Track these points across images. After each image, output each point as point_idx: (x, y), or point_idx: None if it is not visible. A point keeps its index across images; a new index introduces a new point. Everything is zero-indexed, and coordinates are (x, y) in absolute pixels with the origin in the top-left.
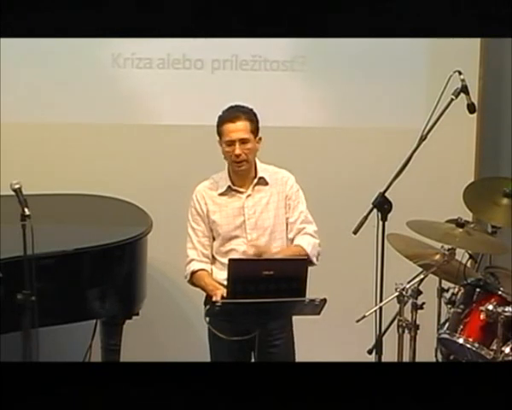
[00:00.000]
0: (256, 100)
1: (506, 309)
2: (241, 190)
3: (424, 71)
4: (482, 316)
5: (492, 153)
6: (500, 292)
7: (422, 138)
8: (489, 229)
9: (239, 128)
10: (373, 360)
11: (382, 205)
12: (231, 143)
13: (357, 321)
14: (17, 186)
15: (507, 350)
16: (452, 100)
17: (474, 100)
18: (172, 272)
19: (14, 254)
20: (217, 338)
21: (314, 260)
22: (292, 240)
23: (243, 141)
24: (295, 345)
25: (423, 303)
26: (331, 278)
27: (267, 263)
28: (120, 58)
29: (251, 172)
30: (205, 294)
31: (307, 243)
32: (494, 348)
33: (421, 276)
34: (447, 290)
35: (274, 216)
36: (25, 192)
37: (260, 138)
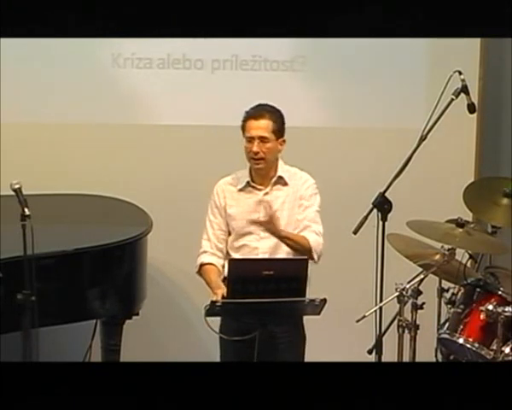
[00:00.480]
0: (256, 100)
1: (506, 309)
2: (259, 187)
3: (424, 71)
4: (482, 316)
5: (492, 153)
6: (500, 292)
7: (422, 138)
8: (489, 229)
9: (260, 126)
10: (373, 360)
11: (382, 205)
12: (251, 139)
13: (357, 321)
14: (17, 186)
15: (507, 350)
16: (452, 100)
17: (474, 100)
18: (172, 272)
19: (14, 254)
20: (223, 337)
21: (315, 256)
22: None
23: (263, 139)
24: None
25: (423, 303)
26: (331, 278)
27: (267, 263)
28: (120, 58)
29: (271, 170)
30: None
31: (313, 239)
32: (494, 348)
33: (421, 276)
34: (447, 290)
35: (288, 216)
36: (25, 192)
37: (284, 140)
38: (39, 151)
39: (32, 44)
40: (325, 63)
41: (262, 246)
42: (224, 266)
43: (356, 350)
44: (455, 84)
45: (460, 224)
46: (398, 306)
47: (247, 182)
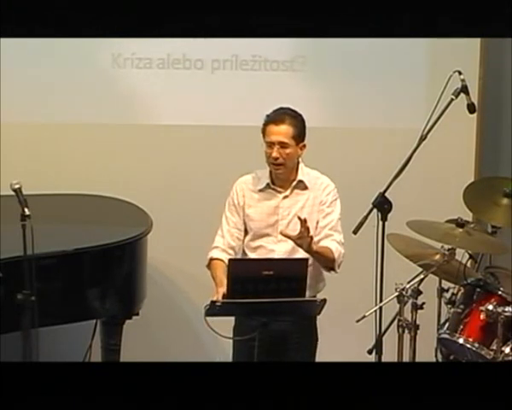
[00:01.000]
0: (256, 100)
1: (506, 309)
2: (279, 189)
3: (424, 71)
4: (482, 316)
5: (492, 153)
6: (500, 292)
7: (422, 138)
8: (489, 229)
9: (281, 131)
10: (373, 360)
11: (382, 205)
12: (271, 144)
13: (357, 321)
14: (17, 186)
15: (507, 350)
16: (452, 100)
17: (474, 100)
18: (172, 272)
19: (14, 254)
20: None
21: (336, 267)
22: (317, 242)
23: (283, 145)
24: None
25: (423, 303)
26: (331, 278)
27: (267, 263)
28: (120, 58)
29: (291, 175)
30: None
31: (335, 249)
32: (494, 348)
33: (421, 276)
34: (447, 290)
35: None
36: (25, 192)
37: (305, 145)
38: (39, 151)
39: (32, 44)
40: (325, 63)
41: (279, 249)
42: None
43: (356, 350)
44: (455, 84)
45: (460, 224)
46: (398, 306)
47: (267, 184)
